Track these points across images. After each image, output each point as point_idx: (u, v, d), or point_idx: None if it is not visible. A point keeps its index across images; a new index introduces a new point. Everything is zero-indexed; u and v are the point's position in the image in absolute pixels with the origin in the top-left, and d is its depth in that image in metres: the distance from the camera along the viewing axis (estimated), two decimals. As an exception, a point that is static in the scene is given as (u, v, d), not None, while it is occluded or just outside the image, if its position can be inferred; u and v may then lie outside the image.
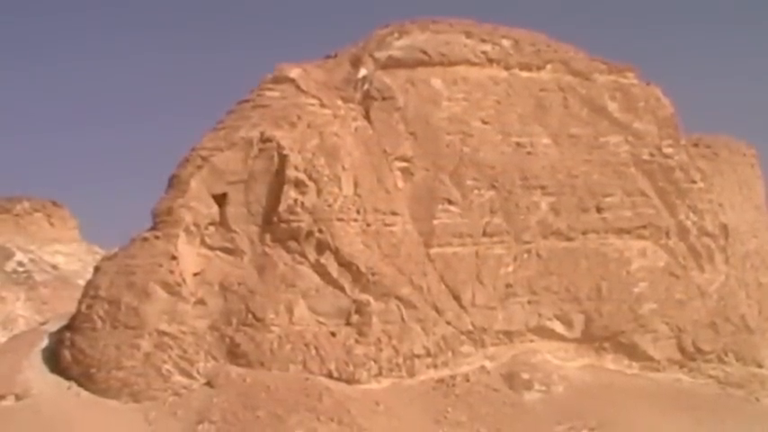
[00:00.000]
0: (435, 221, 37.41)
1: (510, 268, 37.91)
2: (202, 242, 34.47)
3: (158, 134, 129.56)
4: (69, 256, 58.38)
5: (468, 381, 35.00)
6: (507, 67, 41.30)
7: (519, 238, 38.56)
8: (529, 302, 37.86)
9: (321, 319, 33.85)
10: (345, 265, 34.45)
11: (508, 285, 37.74)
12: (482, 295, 37.18)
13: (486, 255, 37.75)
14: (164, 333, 32.34)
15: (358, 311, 34.14)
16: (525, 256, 38.33)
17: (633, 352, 38.52)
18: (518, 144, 39.87)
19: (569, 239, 39.21)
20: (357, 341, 33.71)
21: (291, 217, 34.49)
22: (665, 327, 39.09)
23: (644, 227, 40.40)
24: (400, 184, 37.78)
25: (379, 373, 33.74)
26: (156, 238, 33.83)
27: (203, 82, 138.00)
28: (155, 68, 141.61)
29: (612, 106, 42.18)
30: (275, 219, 34.57)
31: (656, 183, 41.56)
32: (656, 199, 41.25)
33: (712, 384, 38.68)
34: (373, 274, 34.57)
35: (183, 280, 33.29)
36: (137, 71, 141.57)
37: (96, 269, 35.12)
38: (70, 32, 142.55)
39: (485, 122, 39.68)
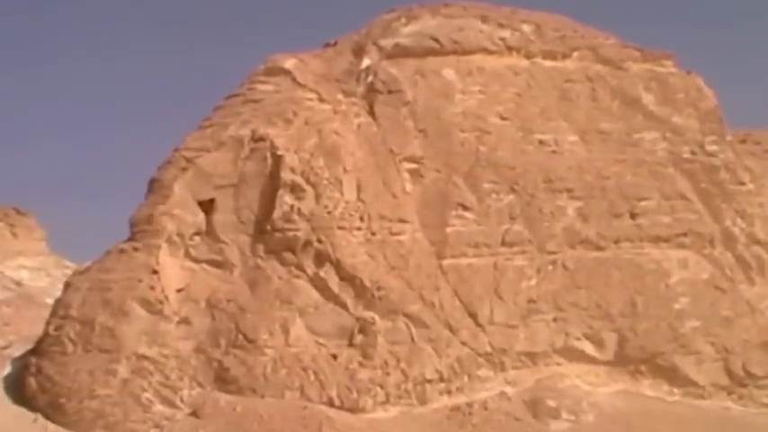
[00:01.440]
0: (448, 229, 37.51)
1: (533, 281, 37.95)
2: (187, 254, 34.64)
3: (137, 134, 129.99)
4: (35, 270, 58.44)
5: (486, 408, 34.93)
6: (528, 56, 41.53)
7: (542, 247, 38.62)
8: (554, 320, 37.84)
9: (320, 340, 33.97)
10: (347, 278, 34.62)
11: (531, 301, 37.76)
12: (501, 312, 37.20)
13: (506, 266, 37.83)
14: (143, 357, 32.39)
15: (362, 331, 34.27)
16: (550, 267, 38.36)
17: (674, 376, 38.41)
18: (541, 142, 39.96)
19: (599, 249, 39.27)
20: (361, 364, 33.83)
21: (287, 225, 34.69)
22: (711, 347, 39.00)
23: (684, 234, 40.46)
24: (409, 187, 37.93)
25: (386, 401, 33.77)
26: (135, 249, 33.96)
27: (186, 76, 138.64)
28: (131, 64, 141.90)
29: (648, 98, 42.30)
30: (269, 227, 34.79)
31: (699, 184, 41.67)
32: (699, 203, 41.34)
33: (767, 413, 38.32)
34: (379, 289, 34.72)
35: (166, 297, 33.42)
36: (111, 67, 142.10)
37: (66, 285, 35.30)
38: (34, 31, 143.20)
39: (503, 118, 39.83)
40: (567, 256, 38.69)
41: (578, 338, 37.89)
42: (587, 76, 41.74)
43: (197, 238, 34.79)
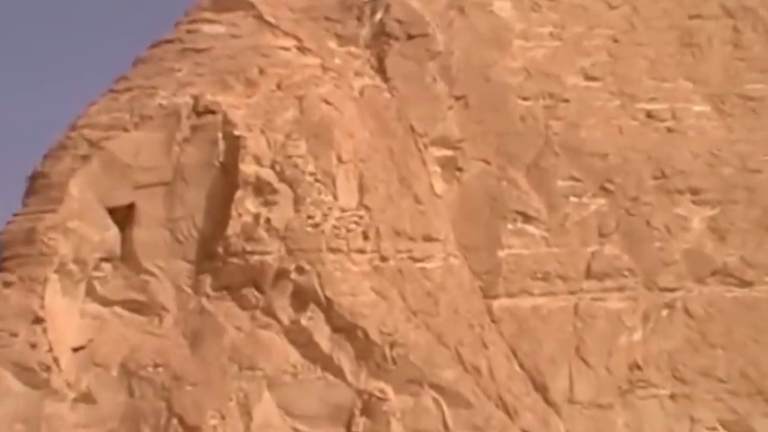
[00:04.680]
0: (502, 252, 37.38)
1: (637, 336, 37.36)
2: (90, 292, 34.51)
3: (12, 100, 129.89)
4: None
5: None
6: (630, -20, 42.05)
7: (652, 281, 38.06)
8: (672, 397, 37.16)
9: (301, 426, 33.71)
10: (345, 329, 34.21)
11: (635, 367, 37.14)
12: (586, 384, 36.72)
13: (594, 311, 37.41)
14: (18, 455, 32.72)
15: (366, 411, 33.84)
16: (664, 313, 37.84)
17: None
18: (649, 115, 39.70)
19: (745, 285, 38.56)
20: (366, 463, 34.13)
21: (249, 246, 34.36)
22: None
23: None
24: (440, 187, 37.85)
25: None
26: (6, 285, 33.60)
27: (91, 11, 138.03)
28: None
29: (823, 44, 42.86)
30: (220, 249, 34.49)
31: None
32: None
33: None
34: (393, 346, 34.22)
35: (55, 360, 33.04)
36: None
37: None
38: None
39: (590, 77, 39.85)
40: (692, 296, 38.26)
41: (713, 428, 37.24)
42: (725, 9, 41.69)
43: (107, 267, 34.70)
